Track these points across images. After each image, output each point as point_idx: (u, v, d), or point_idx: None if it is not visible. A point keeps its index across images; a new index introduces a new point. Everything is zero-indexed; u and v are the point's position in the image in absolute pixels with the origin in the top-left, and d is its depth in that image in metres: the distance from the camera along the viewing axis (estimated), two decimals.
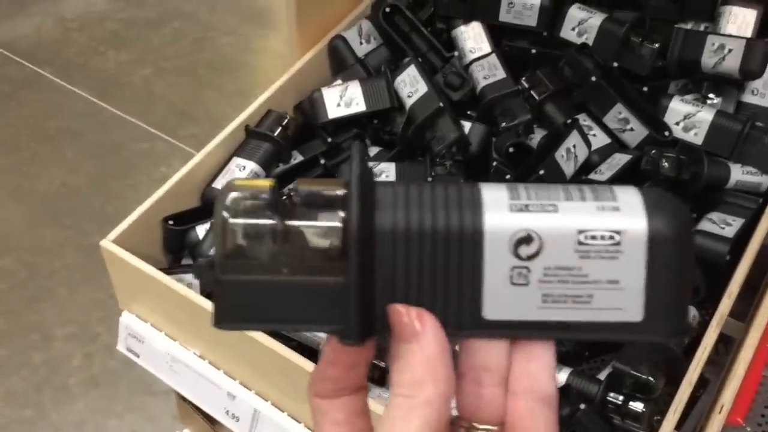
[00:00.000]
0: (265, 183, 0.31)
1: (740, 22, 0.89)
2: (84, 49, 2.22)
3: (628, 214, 0.29)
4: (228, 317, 0.30)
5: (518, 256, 0.29)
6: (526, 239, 0.29)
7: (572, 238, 0.29)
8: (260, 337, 0.73)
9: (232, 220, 0.29)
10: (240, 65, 2.20)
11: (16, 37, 2.25)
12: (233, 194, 0.30)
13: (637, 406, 0.72)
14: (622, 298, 0.29)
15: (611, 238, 0.29)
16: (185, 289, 0.78)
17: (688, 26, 0.93)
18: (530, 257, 0.29)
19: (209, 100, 2.05)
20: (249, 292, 0.30)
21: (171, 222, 0.88)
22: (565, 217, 0.29)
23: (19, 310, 1.50)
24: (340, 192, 0.30)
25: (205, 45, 2.25)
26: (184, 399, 1.03)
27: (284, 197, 0.30)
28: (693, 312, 0.78)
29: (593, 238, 0.29)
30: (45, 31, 2.28)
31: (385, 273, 0.29)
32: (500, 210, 0.29)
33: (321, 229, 0.30)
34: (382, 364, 0.75)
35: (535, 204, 0.29)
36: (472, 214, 0.29)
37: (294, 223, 0.30)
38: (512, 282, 0.29)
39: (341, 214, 0.29)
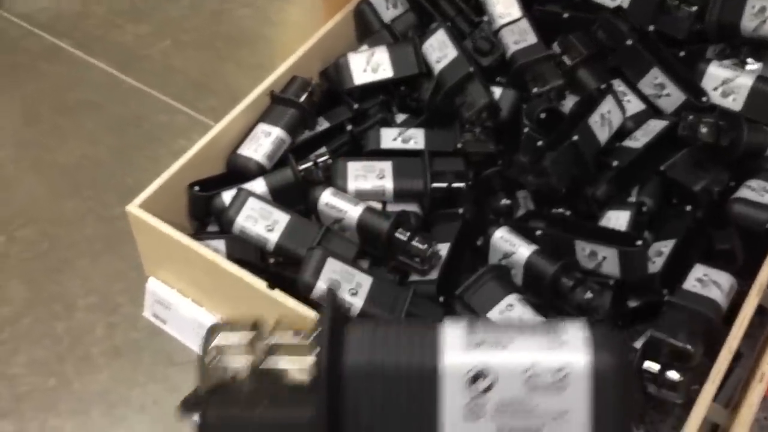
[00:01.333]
0: (246, 323, 0.35)
1: None
2: (103, 22, 2.21)
3: (574, 350, 0.32)
4: None
5: (473, 391, 0.32)
6: (481, 375, 0.32)
7: (522, 373, 0.32)
8: (288, 301, 0.72)
9: (213, 362, 0.35)
10: (258, 38, 2.18)
11: (35, 10, 2.24)
12: (214, 338, 0.34)
13: (674, 375, 0.70)
14: (569, 431, 0.31)
15: (558, 372, 0.31)
16: (212, 254, 0.77)
17: None
18: (484, 391, 0.32)
19: (228, 73, 2.03)
20: (229, 426, 0.33)
21: (197, 188, 0.87)
22: (517, 354, 0.32)
23: (41, 280, 1.50)
24: (313, 337, 0.34)
25: (223, 17, 2.23)
26: None
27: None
28: (731, 281, 0.76)
29: (541, 373, 0.31)
30: (64, 4, 2.27)
31: (350, 409, 0.32)
32: (457, 348, 0.32)
33: (294, 370, 0.34)
34: None
35: (490, 341, 0.32)
36: (431, 353, 0.32)
37: (269, 363, 0.34)
38: (468, 416, 0.32)
39: (312, 357, 0.33)
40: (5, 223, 1.61)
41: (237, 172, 0.89)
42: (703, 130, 0.80)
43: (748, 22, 0.84)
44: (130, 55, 2.09)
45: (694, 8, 0.87)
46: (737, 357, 0.81)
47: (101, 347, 1.37)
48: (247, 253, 0.82)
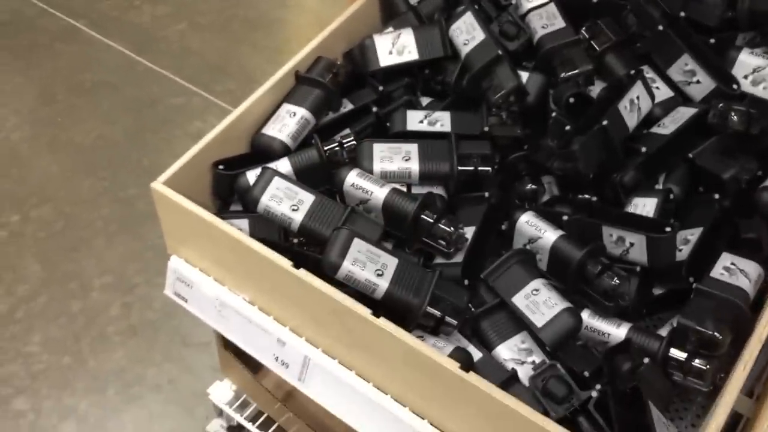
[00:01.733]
0: None
1: None
2: (119, 3, 2.21)
3: None
4: None
5: None
6: None
7: None
8: (314, 281, 0.72)
9: None
10: (274, 21, 2.17)
11: None
12: None
13: (701, 363, 0.70)
14: None
15: None
16: (237, 232, 0.77)
17: None
18: None
19: (244, 56, 2.03)
20: None
21: (221, 167, 0.87)
22: None
23: (57, 259, 1.50)
24: None
25: (240, 1, 2.23)
26: (226, 347, 1.03)
27: None
28: (759, 270, 0.75)
29: None
30: None
31: None
32: None
33: None
34: (437, 314, 0.73)
35: None
36: None
37: None
38: None
39: None
40: (20, 203, 1.61)
41: (261, 152, 0.88)
42: (734, 117, 0.80)
43: None
44: (147, 36, 2.09)
45: None
46: None
47: (117, 326, 1.38)
48: (271, 232, 0.82)
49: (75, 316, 1.40)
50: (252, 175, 0.85)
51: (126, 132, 1.79)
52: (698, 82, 0.86)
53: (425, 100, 0.96)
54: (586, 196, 0.84)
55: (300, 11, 2.22)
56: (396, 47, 0.94)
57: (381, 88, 0.94)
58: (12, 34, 2.10)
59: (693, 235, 0.78)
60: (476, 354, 0.74)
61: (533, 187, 0.86)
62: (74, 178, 1.67)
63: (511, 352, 0.75)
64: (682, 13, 0.88)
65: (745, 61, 0.85)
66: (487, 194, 0.83)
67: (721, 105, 0.81)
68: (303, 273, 0.73)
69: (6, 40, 2.08)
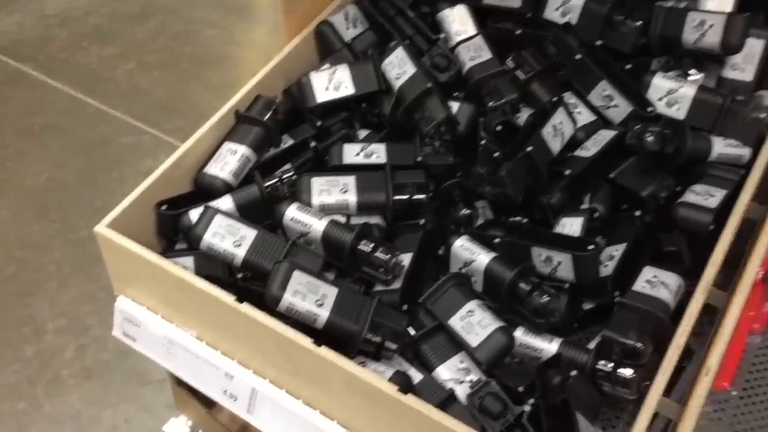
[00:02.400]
0: None
1: None
2: (67, 45, 2.22)
3: None
4: None
5: None
6: None
7: None
8: (257, 315, 0.74)
9: None
10: (224, 58, 2.21)
11: None
12: None
13: (626, 372, 0.74)
14: None
15: None
16: (181, 271, 0.79)
17: (669, 4, 0.95)
18: None
19: (194, 93, 2.06)
20: None
21: (165, 207, 0.89)
22: None
23: (9, 304, 1.50)
24: None
25: (189, 39, 2.25)
26: (179, 384, 1.04)
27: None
28: (679, 281, 0.80)
29: None
30: (27, 28, 2.27)
31: None
32: None
33: None
34: (377, 339, 0.76)
35: None
36: None
37: None
38: None
39: None
40: None
41: (204, 191, 0.91)
42: (649, 138, 0.85)
43: (689, 35, 0.89)
44: (95, 77, 2.11)
45: (639, 23, 0.92)
46: (689, 354, 0.85)
47: (72, 369, 1.38)
48: (215, 268, 0.84)
49: (29, 361, 1.40)
50: (195, 214, 0.87)
51: (76, 173, 1.80)
52: (616, 105, 0.91)
53: (364, 133, 1.00)
54: (518, 218, 0.88)
55: (249, 47, 2.25)
56: (332, 83, 0.98)
57: (319, 123, 0.97)
58: None
59: (617, 250, 0.83)
60: (417, 376, 0.77)
61: (467, 212, 0.89)
62: (25, 222, 1.67)
63: (450, 372, 0.77)
64: (599, 42, 0.93)
65: (659, 85, 0.90)
66: (422, 221, 0.87)
67: (637, 127, 0.86)
68: (246, 307, 0.75)
69: None
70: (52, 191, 1.75)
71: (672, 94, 0.89)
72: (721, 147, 0.87)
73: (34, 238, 1.63)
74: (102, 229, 0.83)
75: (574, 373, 0.73)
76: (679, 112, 0.89)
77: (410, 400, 0.68)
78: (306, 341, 0.72)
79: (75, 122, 1.95)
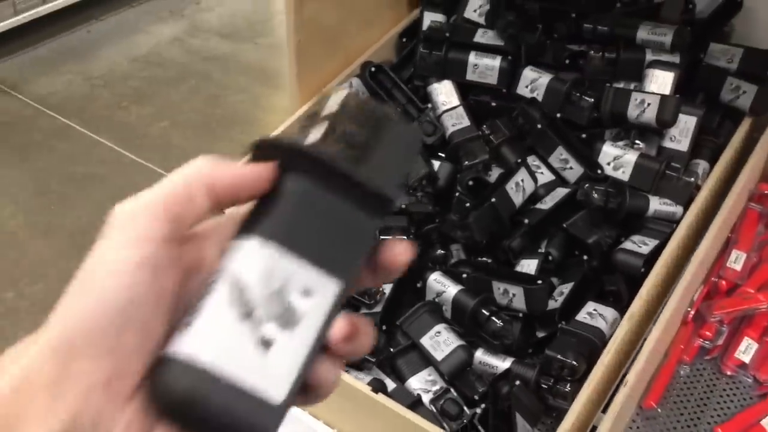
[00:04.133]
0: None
1: (660, 82, 1.09)
2: (108, 104, 2.45)
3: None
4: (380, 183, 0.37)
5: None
6: None
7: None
8: None
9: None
10: (250, 120, 2.42)
11: (48, 93, 2.49)
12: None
13: (564, 386, 0.88)
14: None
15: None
16: None
17: (621, 85, 1.13)
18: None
19: (221, 150, 2.26)
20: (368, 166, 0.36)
21: None
22: None
23: None
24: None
25: (219, 102, 2.48)
26: None
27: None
28: (615, 314, 0.95)
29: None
30: (74, 88, 2.52)
31: None
32: None
33: None
34: None
35: None
36: None
37: None
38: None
39: None
40: (15, 281, 1.79)
41: None
42: (595, 195, 1.01)
43: (632, 112, 1.06)
44: (133, 133, 2.33)
45: (592, 100, 1.09)
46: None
47: None
48: None
49: None
50: None
51: None
52: (571, 168, 1.08)
53: None
54: (485, 258, 1.04)
55: (273, 111, 2.47)
56: None
57: None
58: (10, 133, 2.33)
59: (567, 288, 0.98)
60: (392, 385, 0.92)
61: (442, 252, 1.06)
62: (65, 259, 1.86)
63: (419, 383, 0.93)
64: (559, 114, 1.11)
65: (608, 151, 1.07)
66: None
67: (586, 185, 1.03)
68: None
69: (5, 139, 2.30)
70: (91, 233, 1.92)
71: (618, 159, 1.06)
72: (657, 205, 1.03)
73: (72, 273, 1.81)
74: None
75: (518, 383, 0.88)
76: (623, 174, 1.05)
77: (382, 398, 0.83)
78: None
79: (113, 172, 2.16)
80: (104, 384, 0.30)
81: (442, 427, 0.85)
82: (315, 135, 0.35)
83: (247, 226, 0.35)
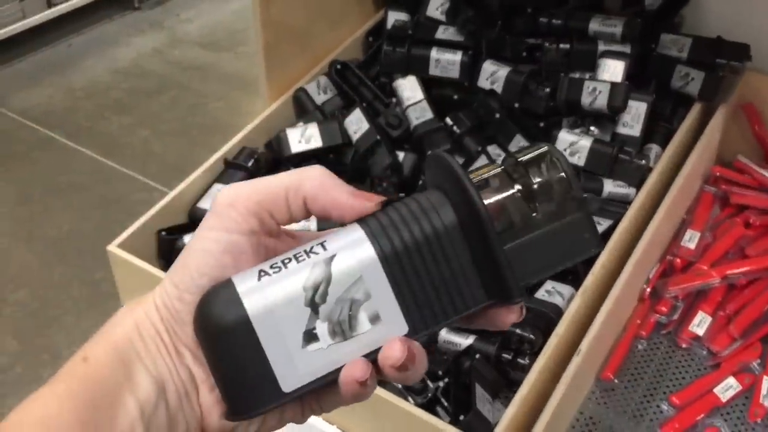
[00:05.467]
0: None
1: (612, 71, 1.13)
2: (90, 115, 2.49)
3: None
4: (521, 276, 0.35)
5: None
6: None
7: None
8: None
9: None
10: (229, 126, 2.45)
11: (30, 106, 2.52)
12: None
13: (523, 359, 0.92)
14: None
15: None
16: None
17: (576, 75, 1.18)
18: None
19: (201, 156, 2.27)
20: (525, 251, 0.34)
21: (164, 233, 1.10)
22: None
23: (31, 335, 1.70)
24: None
25: (199, 110, 2.52)
26: None
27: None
28: (572, 291, 0.99)
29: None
30: (56, 100, 2.55)
31: None
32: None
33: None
34: None
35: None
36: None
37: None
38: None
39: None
40: (0, 288, 1.82)
41: (196, 222, 1.12)
42: None
43: (586, 99, 1.11)
44: (114, 143, 2.37)
45: (548, 90, 1.14)
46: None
47: None
48: None
49: (45, 382, 1.59)
50: (188, 239, 1.09)
51: (94, 225, 2.03)
52: None
53: None
54: None
55: (250, 117, 2.51)
56: (304, 137, 1.20)
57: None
58: None
59: None
60: None
61: None
62: (47, 266, 1.89)
63: None
64: (517, 105, 1.15)
65: (564, 138, 1.11)
66: None
67: None
68: None
69: None
70: (73, 240, 1.97)
71: (573, 145, 1.10)
72: (611, 187, 1.07)
73: (55, 280, 1.84)
74: (114, 248, 1.04)
75: (478, 356, 0.92)
76: (579, 159, 1.10)
77: None
78: None
79: (95, 181, 2.19)
80: None
81: (407, 401, 0.89)
82: (495, 182, 0.34)
83: (371, 224, 0.35)
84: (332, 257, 0.34)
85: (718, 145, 1.22)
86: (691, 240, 1.12)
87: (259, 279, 0.34)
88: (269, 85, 1.25)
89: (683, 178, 1.06)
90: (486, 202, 0.33)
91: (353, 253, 0.34)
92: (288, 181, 0.37)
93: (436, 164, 0.36)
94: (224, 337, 0.33)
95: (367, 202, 0.37)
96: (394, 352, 0.34)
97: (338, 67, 1.24)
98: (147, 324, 0.38)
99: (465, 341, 0.98)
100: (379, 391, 0.85)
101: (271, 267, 0.34)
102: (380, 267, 0.34)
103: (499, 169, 0.35)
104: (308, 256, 0.34)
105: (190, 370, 0.37)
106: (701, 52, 1.17)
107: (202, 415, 0.37)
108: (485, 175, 0.35)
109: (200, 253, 0.37)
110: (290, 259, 0.34)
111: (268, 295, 0.33)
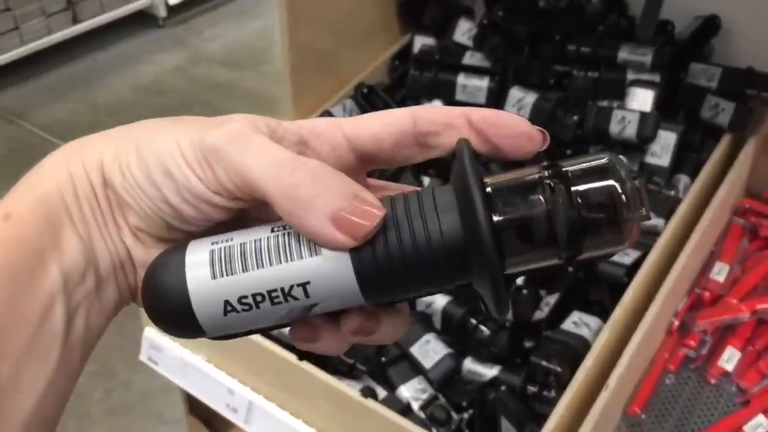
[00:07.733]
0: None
1: (641, 99, 1.12)
2: None
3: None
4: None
5: None
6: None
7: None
8: (255, 338, 0.94)
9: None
10: None
11: (53, 121, 2.54)
12: None
13: (549, 393, 0.91)
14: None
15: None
16: None
17: (604, 103, 1.17)
18: None
19: None
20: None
21: None
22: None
23: None
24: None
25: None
26: (191, 413, 1.22)
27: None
28: (600, 323, 0.98)
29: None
30: (79, 116, 2.57)
31: None
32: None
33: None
34: (350, 361, 0.94)
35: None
36: None
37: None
38: None
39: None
40: None
41: None
42: None
43: (614, 128, 1.10)
44: None
45: (576, 117, 1.13)
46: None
47: (99, 407, 1.56)
48: None
49: None
50: None
51: None
52: None
53: None
54: None
55: None
56: None
57: None
58: (17, 160, 2.38)
59: (553, 299, 1.01)
60: (382, 393, 0.95)
61: None
62: None
63: (410, 391, 0.95)
64: None
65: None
66: None
67: None
68: None
69: (11, 166, 2.35)
70: None
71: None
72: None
73: None
74: None
75: (503, 388, 0.90)
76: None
77: (372, 403, 0.86)
78: (291, 357, 0.91)
79: None
80: None
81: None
82: (519, 192, 0.28)
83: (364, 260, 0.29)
84: (312, 306, 0.29)
85: (747, 176, 1.20)
86: (720, 273, 1.10)
87: (224, 314, 0.30)
88: (295, 107, 1.25)
89: (713, 210, 1.05)
90: (495, 219, 0.27)
91: (342, 302, 0.30)
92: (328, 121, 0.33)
93: (456, 158, 0.30)
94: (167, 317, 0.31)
95: (378, 213, 0.29)
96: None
97: (365, 90, 1.24)
98: (85, 182, 0.32)
99: (490, 372, 0.96)
100: (404, 423, 0.83)
101: (240, 302, 0.29)
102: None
103: (535, 176, 0.28)
104: (285, 300, 0.29)
105: (129, 251, 0.32)
106: (731, 82, 1.16)
107: (137, 288, 0.33)
108: (511, 180, 0.28)
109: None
110: (263, 298, 0.29)
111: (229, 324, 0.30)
